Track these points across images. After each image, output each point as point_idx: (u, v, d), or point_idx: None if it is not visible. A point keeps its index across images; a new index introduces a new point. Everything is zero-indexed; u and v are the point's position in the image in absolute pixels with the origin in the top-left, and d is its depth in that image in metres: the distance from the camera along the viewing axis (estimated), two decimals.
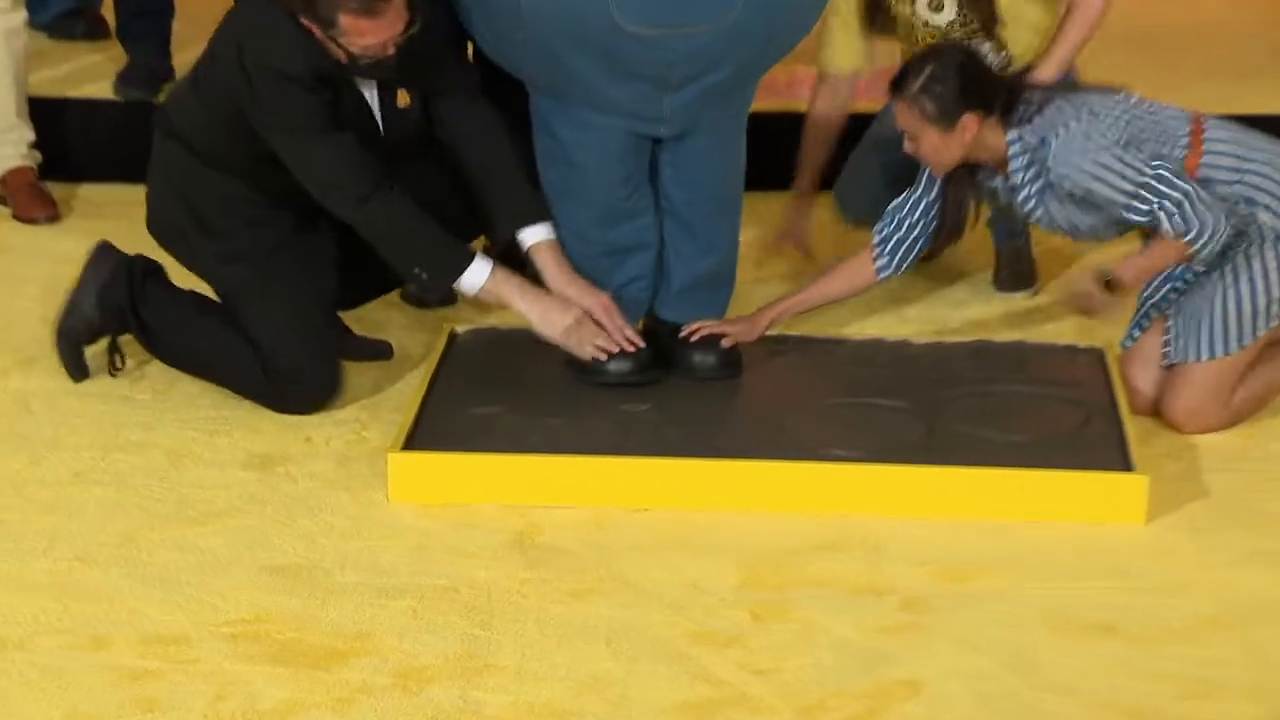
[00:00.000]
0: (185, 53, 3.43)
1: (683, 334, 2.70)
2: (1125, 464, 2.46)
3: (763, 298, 2.83)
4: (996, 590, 2.29)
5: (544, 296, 2.60)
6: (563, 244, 2.62)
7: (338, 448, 2.64)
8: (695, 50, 2.49)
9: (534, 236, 2.60)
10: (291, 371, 2.63)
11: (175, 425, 2.67)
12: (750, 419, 2.61)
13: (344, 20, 2.41)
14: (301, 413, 2.65)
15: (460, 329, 2.91)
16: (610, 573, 2.32)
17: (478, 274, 2.55)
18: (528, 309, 2.58)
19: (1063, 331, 2.95)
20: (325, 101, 2.48)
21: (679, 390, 2.68)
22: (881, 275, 2.73)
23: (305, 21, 2.44)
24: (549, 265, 2.59)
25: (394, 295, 2.97)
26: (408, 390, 2.79)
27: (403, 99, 2.53)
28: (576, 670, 2.11)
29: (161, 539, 2.39)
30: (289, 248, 2.64)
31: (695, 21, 2.46)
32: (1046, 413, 2.62)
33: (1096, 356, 2.79)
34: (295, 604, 2.23)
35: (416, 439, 2.53)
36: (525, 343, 2.76)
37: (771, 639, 2.17)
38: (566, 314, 2.58)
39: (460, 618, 2.21)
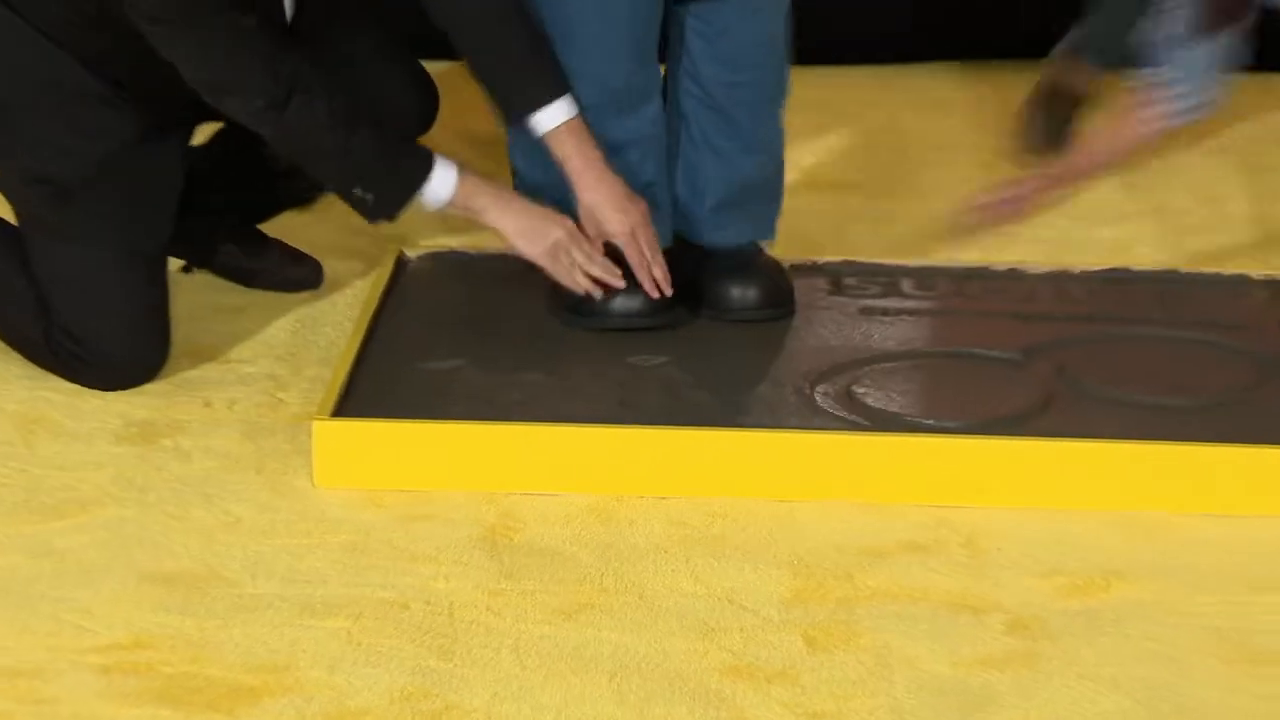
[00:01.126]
0: None
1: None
2: None
3: (817, 227, 2.82)
4: (1140, 607, 2.28)
5: (527, 206, 2.59)
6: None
7: (245, 414, 2.64)
8: None
9: (551, 120, 2.59)
10: (90, 351, 2.61)
11: (22, 383, 2.67)
12: (803, 378, 2.60)
13: None
14: (101, 389, 2.64)
15: (410, 252, 2.91)
16: (615, 583, 2.31)
17: (441, 184, 2.54)
18: (503, 221, 2.57)
19: (1232, 255, 2.94)
20: None
21: (707, 337, 2.69)
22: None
23: None
24: (571, 157, 2.58)
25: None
26: (338, 336, 2.79)
27: None
28: (568, 714, 2.11)
29: (5, 537, 2.38)
30: (121, 167, 2.59)
31: None
32: (1207, 367, 2.64)
33: (1275, 290, 2.80)
34: (188, 625, 2.23)
35: (350, 402, 2.53)
36: (499, 271, 2.76)
37: (833, 672, 2.17)
38: (553, 227, 2.58)
39: (411, 643, 2.21)
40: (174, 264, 2.84)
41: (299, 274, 2.90)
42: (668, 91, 2.75)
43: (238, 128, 2.58)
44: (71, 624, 2.23)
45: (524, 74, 2.59)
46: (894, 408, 2.53)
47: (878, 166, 3.19)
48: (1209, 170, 3.21)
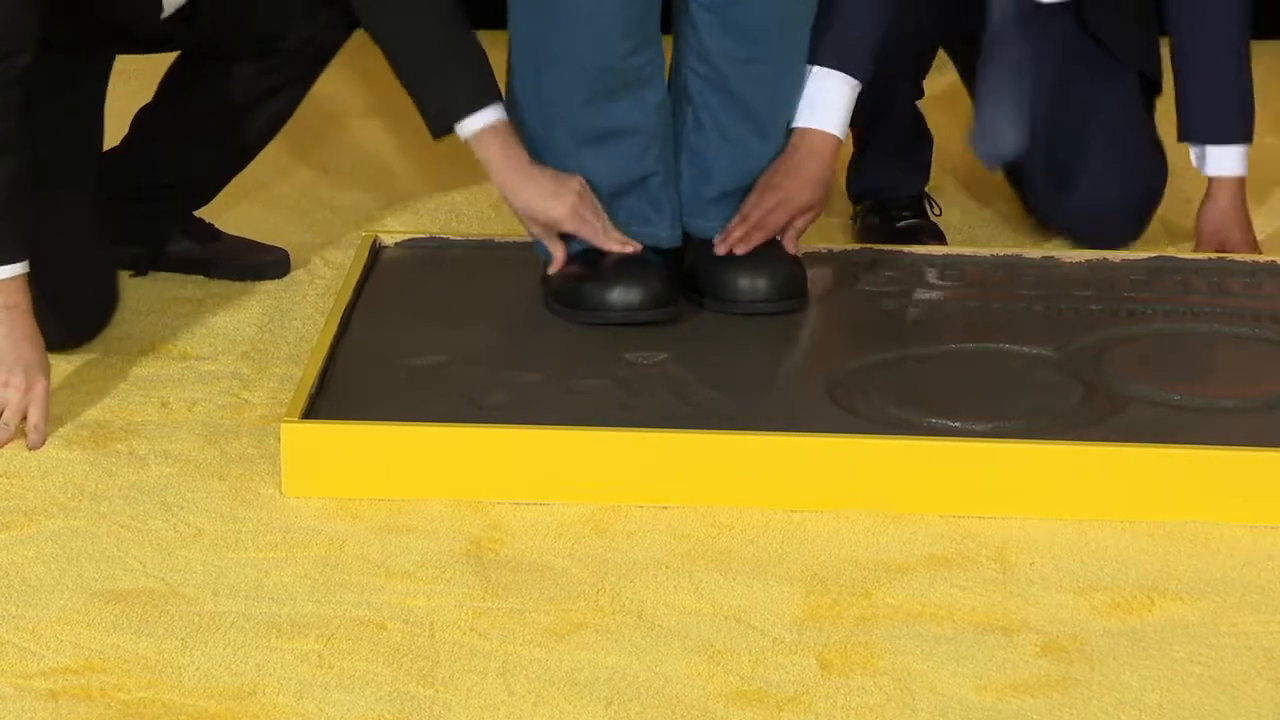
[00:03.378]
0: None
1: (719, 246, 2.70)
2: None
3: (836, 208, 2.83)
4: (1185, 627, 2.29)
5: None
6: (531, 131, 2.66)
7: (206, 416, 2.64)
8: None
9: (474, 125, 2.65)
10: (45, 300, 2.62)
11: None
12: (818, 375, 2.61)
13: None
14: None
15: (387, 238, 2.90)
16: (612, 601, 2.32)
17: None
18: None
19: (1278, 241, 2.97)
20: None
21: (712, 331, 2.69)
22: None
23: None
24: (493, 161, 2.64)
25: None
26: (309, 331, 2.79)
27: None
28: None
29: None
30: (44, 104, 2.61)
31: None
32: (1259, 364, 2.64)
33: None
34: (145, 646, 2.23)
35: (322, 402, 2.53)
36: (484, 259, 2.76)
37: (849, 699, 2.17)
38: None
39: (388, 666, 2.22)
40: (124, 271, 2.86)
41: (262, 260, 2.91)
42: (672, 75, 2.75)
43: (166, 102, 2.64)
44: (16, 645, 2.23)
45: (447, 83, 2.64)
46: (916, 409, 2.53)
47: None
48: (1262, 151, 3.22)
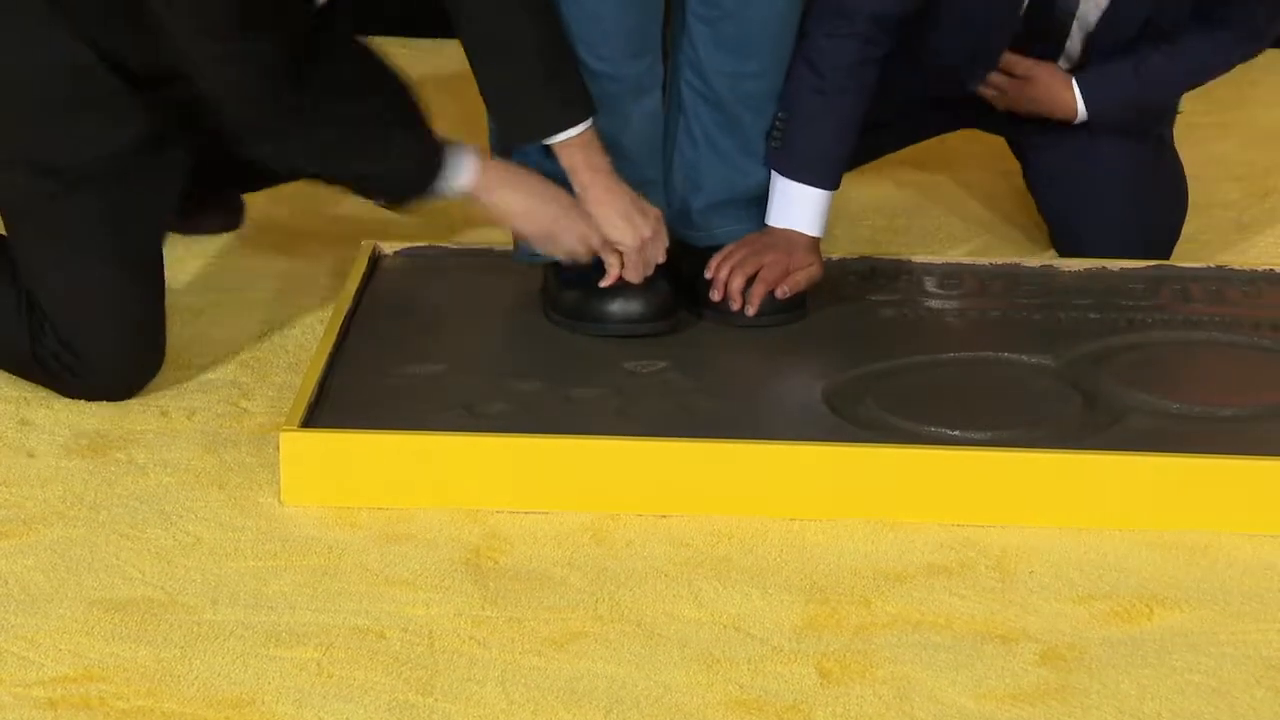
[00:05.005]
0: None
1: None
2: None
3: (833, 218, 2.82)
4: (1187, 636, 2.29)
5: (535, 184, 2.62)
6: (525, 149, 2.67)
7: (205, 424, 2.64)
8: None
9: (565, 133, 2.64)
10: (86, 363, 2.62)
11: None
12: (817, 384, 2.61)
13: None
14: (87, 399, 2.66)
15: (387, 247, 2.91)
16: (611, 609, 2.32)
17: (462, 171, 2.58)
18: (506, 199, 2.61)
19: None
20: None
21: (711, 340, 2.69)
22: None
23: None
24: (579, 169, 2.63)
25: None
26: (308, 340, 2.80)
27: None
28: None
29: None
30: (125, 168, 2.60)
31: None
32: (1261, 372, 2.65)
33: None
34: (144, 655, 2.23)
35: (321, 411, 2.54)
36: (483, 268, 2.76)
37: (848, 707, 2.17)
38: (555, 203, 2.61)
39: (387, 675, 2.21)
40: None
41: (212, 221, 2.93)
42: (667, 83, 2.75)
43: None
44: (15, 655, 2.23)
45: (547, 95, 2.62)
46: (915, 418, 2.53)
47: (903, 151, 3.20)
48: (1258, 159, 3.22)
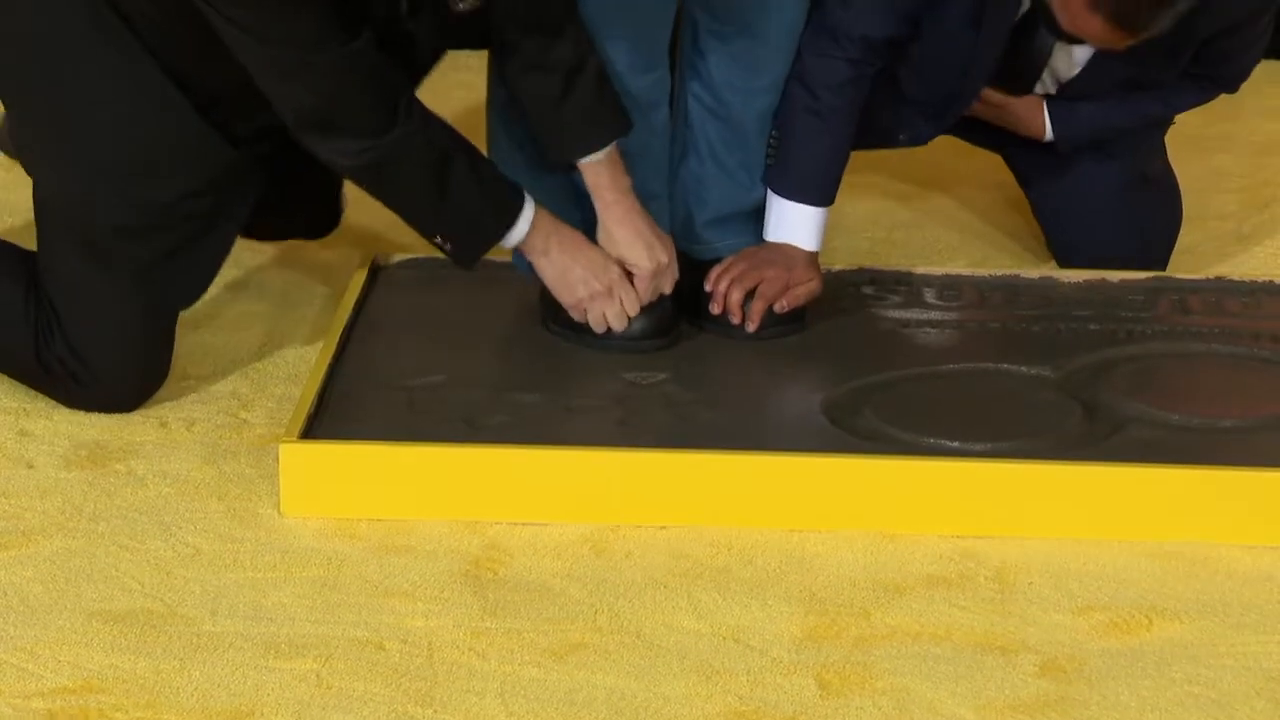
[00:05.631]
0: None
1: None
2: None
3: (832, 230, 2.82)
4: (1184, 647, 2.28)
5: (574, 247, 2.63)
6: (538, 163, 2.67)
7: (205, 435, 2.64)
8: None
9: (596, 154, 2.65)
10: (92, 372, 2.62)
11: None
12: (816, 395, 2.61)
13: None
14: (88, 410, 2.66)
15: (387, 258, 2.91)
16: (610, 621, 2.32)
17: (521, 226, 2.60)
18: (547, 264, 2.63)
19: None
20: (336, 9, 2.39)
21: (711, 353, 2.69)
22: None
23: None
24: (603, 187, 2.64)
25: None
26: (308, 351, 2.80)
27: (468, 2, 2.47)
28: None
29: None
30: (184, 220, 2.60)
31: None
32: (1257, 384, 2.65)
33: None
34: (142, 667, 2.23)
35: (320, 422, 2.53)
36: (483, 279, 2.76)
37: (848, 718, 2.17)
38: (592, 279, 2.63)
39: (386, 687, 2.21)
40: None
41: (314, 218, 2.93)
42: (674, 97, 2.75)
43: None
44: (14, 666, 2.23)
45: (590, 118, 2.62)
46: (915, 429, 2.53)
47: (899, 161, 3.20)
48: (1257, 171, 3.23)
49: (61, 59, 2.52)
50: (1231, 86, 2.88)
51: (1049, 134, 2.88)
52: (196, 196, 2.59)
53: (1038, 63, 2.79)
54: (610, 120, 2.63)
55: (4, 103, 2.69)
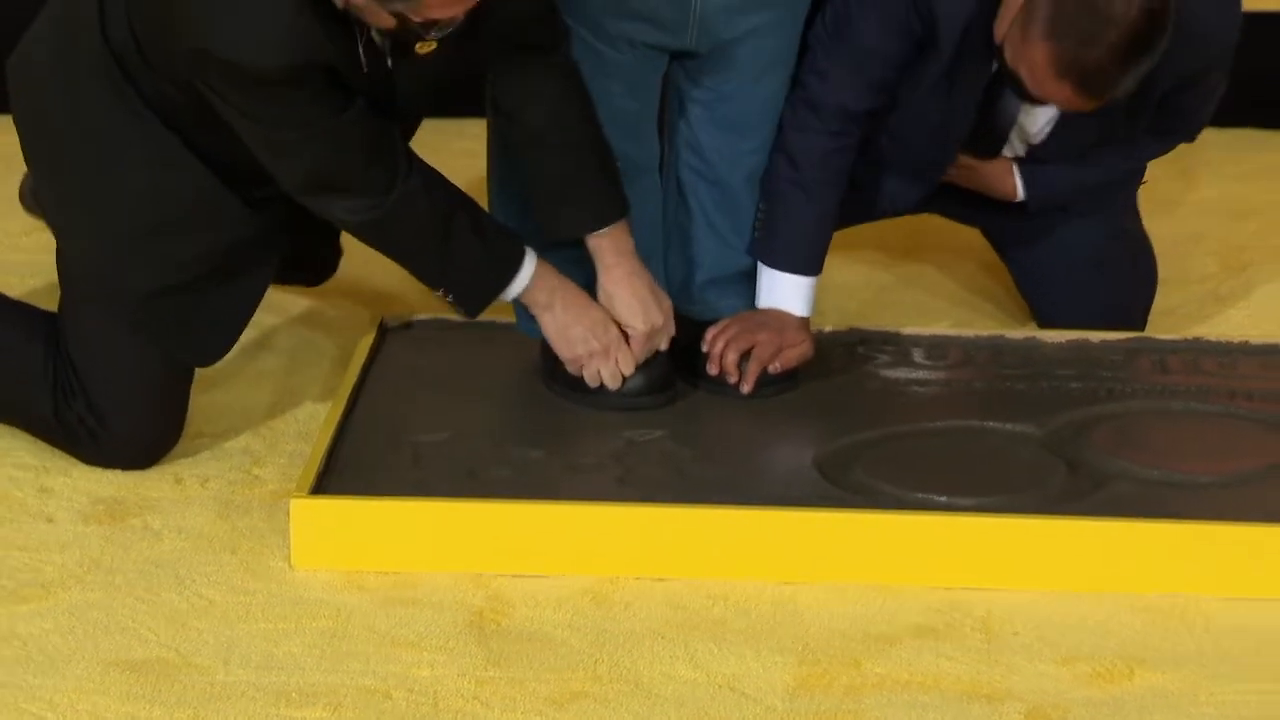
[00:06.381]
0: None
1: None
2: None
3: (822, 291, 2.83)
4: (1165, 697, 2.29)
5: (577, 305, 2.64)
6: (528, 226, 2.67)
7: (219, 491, 2.65)
8: None
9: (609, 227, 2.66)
10: (110, 430, 2.63)
11: None
12: (808, 452, 2.62)
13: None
14: (104, 466, 2.67)
15: (393, 319, 2.92)
16: (610, 670, 2.32)
17: (522, 278, 2.61)
18: (550, 319, 2.63)
19: (1258, 322, 2.97)
20: (323, 88, 2.42)
21: (707, 411, 2.70)
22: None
23: None
24: (605, 250, 2.64)
25: None
26: (318, 409, 2.81)
27: (425, 46, 2.45)
28: None
29: None
30: (210, 283, 2.62)
31: None
32: (1234, 441, 2.65)
33: None
34: (158, 715, 2.24)
35: (330, 478, 2.54)
36: (487, 339, 2.77)
37: None
38: (591, 338, 2.64)
39: None
40: None
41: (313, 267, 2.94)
42: (664, 164, 2.77)
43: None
44: (34, 715, 2.23)
45: (594, 193, 2.64)
46: (904, 484, 2.54)
47: (884, 232, 3.21)
48: (1233, 235, 3.23)
49: (89, 133, 2.55)
50: (1191, 137, 2.90)
51: (1020, 194, 2.90)
52: (216, 256, 2.61)
53: (1006, 125, 2.81)
54: (611, 202, 2.64)
55: (34, 173, 2.72)
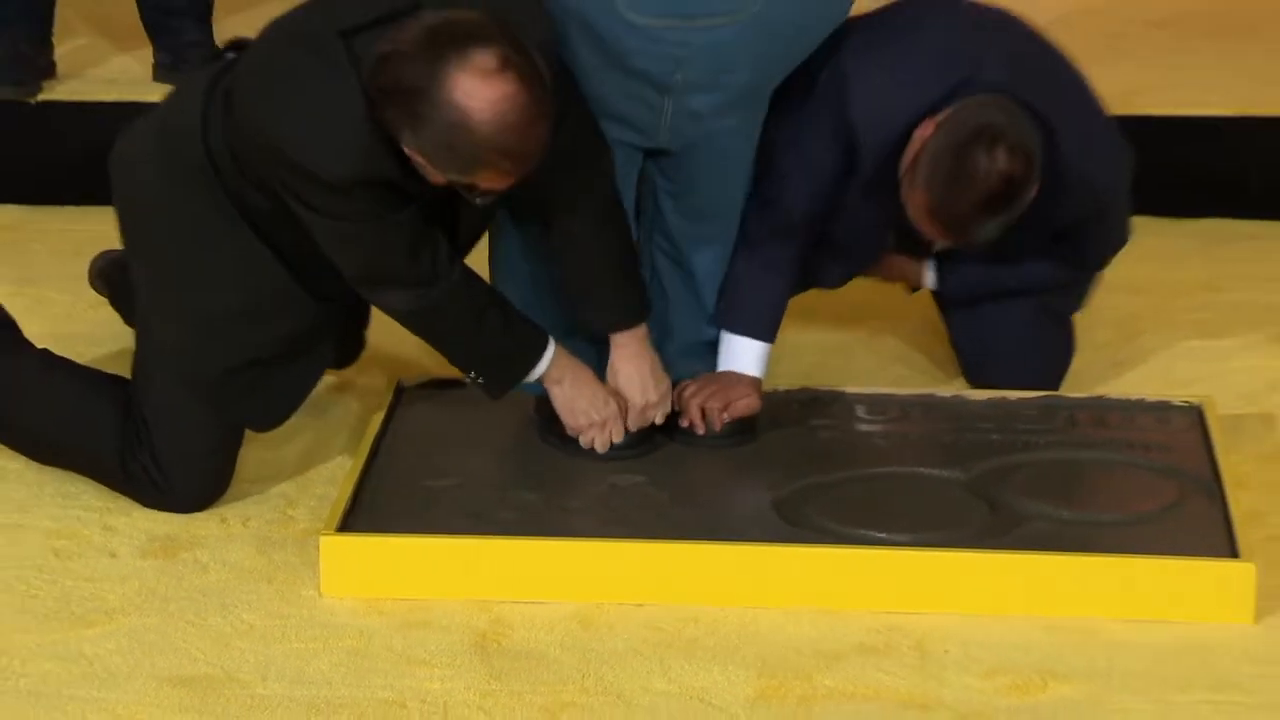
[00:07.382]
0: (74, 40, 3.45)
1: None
2: (1229, 549, 2.48)
3: (775, 356, 2.84)
4: (1074, 705, 2.29)
5: (583, 382, 2.63)
6: (524, 299, 2.66)
7: (258, 530, 2.65)
8: (710, 46, 2.53)
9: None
10: (169, 482, 2.63)
11: (56, 502, 2.69)
12: (768, 494, 2.62)
13: (484, 179, 2.32)
14: (160, 510, 2.66)
15: (409, 381, 2.92)
16: (596, 683, 2.32)
17: (543, 364, 2.61)
18: (559, 392, 2.63)
19: (1151, 382, 2.98)
20: (383, 194, 2.41)
21: (680, 459, 2.70)
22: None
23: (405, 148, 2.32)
24: (620, 337, 2.64)
25: None
26: (344, 459, 2.81)
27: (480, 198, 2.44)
28: None
29: (39, 644, 2.39)
30: (278, 360, 2.62)
31: (712, 14, 2.50)
32: (1133, 486, 2.66)
33: (1194, 415, 2.81)
34: None
35: (354, 518, 2.55)
36: (490, 401, 2.77)
37: None
38: (593, 412, 2.63)
39: None
40: None
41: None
42: (640, 248, 2.76)
43: None
44: None
45: (623, 297, 2.64)
46: (849, 522, 2.54)
47: (833, 300, 3.21)
48: (1127, 307, 3.24)
49: (184, 230, 2.55)
50: (1097, 266, 2.90)
51: (930, 284, 2.92)
52: (287, 341, 2.61)
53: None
54: (637, 306, 2.64)
55: (130, 258, 2.67)
